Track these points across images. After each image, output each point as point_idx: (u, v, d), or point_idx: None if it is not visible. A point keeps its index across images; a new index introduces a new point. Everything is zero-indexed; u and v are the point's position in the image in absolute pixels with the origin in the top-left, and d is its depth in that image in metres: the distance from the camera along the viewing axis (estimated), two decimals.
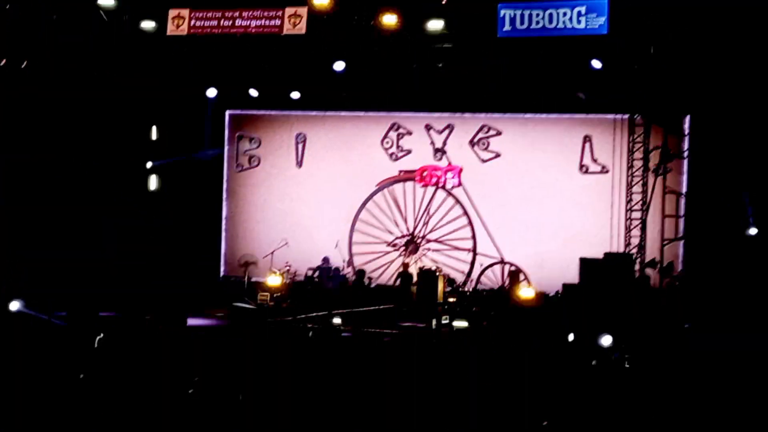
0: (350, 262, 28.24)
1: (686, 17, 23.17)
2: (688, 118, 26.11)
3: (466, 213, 28.06)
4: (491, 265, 27.60)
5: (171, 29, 24.90)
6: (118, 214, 28.21)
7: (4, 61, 26.14)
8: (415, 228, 28.45)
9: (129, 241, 28.06)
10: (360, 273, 26.68)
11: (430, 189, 28.28)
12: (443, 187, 28.18)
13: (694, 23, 23.22)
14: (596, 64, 24.91)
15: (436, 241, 28.26)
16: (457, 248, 28.04)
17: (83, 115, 27.82)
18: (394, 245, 28.51)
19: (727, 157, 24.87)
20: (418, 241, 28.35)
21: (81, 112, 27.76)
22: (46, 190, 27.65)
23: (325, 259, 27.38)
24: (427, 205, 28.35)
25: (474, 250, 27.91)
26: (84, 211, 27.89)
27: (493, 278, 27.46)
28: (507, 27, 22.83)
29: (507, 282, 26.55)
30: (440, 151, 28.28)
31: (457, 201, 28.14)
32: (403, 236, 28.50)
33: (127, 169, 28.78)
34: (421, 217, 28.42)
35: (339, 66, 26.55)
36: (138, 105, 28.25)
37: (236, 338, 19.62)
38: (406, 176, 28.45)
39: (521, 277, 26.55)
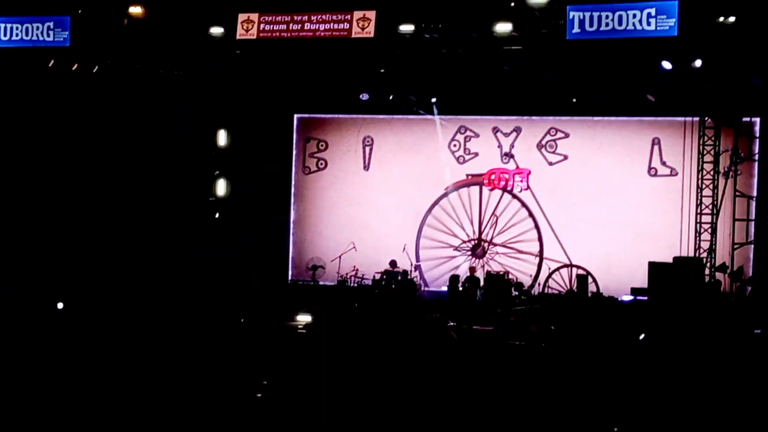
0: (418, 267, 28.23)
1: (755, 19, 22.97)
2: (758, 121, 25.88)
3: (532, 216, 27.99)
4: (559, 269, 27.50)
5: (240, 33, 25.01)
6: (189, 219, 28.54)
7: (76, 65, 26.47)
8: (481, 232, 28.42)
9: (198, 245, 28.33)
10: (453, 278, 26.54)
11: (497, 193, 28.25)
12: (511, 191, 28.15)
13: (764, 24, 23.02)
14: (666, 65, 24.74)
15: (502, 245, 28.21)
16: (523, 252, 27.96)
17: (153, 119, 28.11)
18: (461, 249, 28.49)
19: None
20: (485, 245, 28.31)
21: (150, 116, 28.06)
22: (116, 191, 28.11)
23: (392, 263, 27.37)
24: (494, 209, 28.30)
25: (540, 254, 27.82)
26: (153, 217, 28.25)
27: (561, 282, 27.34)
28: (576, 29, 22.69)
29: (575, 286, 26.41)
30: (508, 155, 28.24)
31: (524, 205, 28.08)
32: (469, 240, 28.47)
33: (197, 174, 29.02)
34: (488, 221, 28.38)
35: None
36: (207, 110, 28.54)
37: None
38: (474, 180, 28.43)
39: (589, 281, 26.42)
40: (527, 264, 27.92)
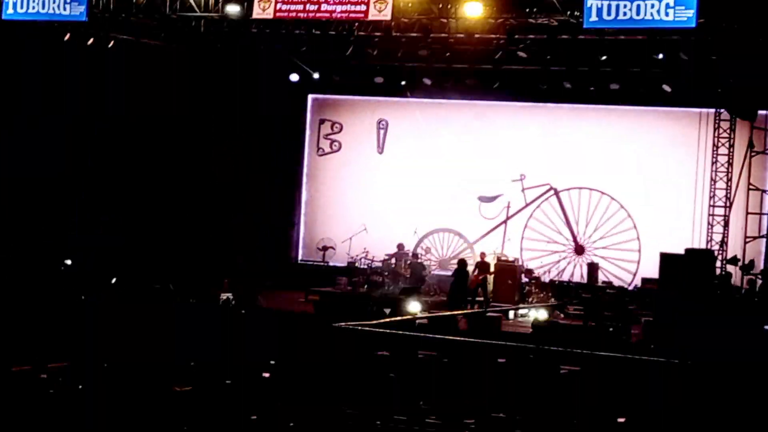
0: (427, 250, 28.20)
1: None
2: None
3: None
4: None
5: (257, 12, 24.88)
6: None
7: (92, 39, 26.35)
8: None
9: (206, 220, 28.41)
10: (461, 262, 26.45)
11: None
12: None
13: None
14: (683, 57, 24.64)
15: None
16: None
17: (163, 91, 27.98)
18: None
19: None
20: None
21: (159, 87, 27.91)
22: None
23: (400, 246, 27.29)
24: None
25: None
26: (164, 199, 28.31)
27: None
28: (594, 17, 22.56)
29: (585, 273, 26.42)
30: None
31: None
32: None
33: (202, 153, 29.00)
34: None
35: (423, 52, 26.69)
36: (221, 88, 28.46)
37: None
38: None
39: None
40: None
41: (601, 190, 27.49)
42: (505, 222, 28.12)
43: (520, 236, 27.98)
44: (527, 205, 28.05)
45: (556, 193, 27.84)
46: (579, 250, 27.61)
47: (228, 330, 19.50)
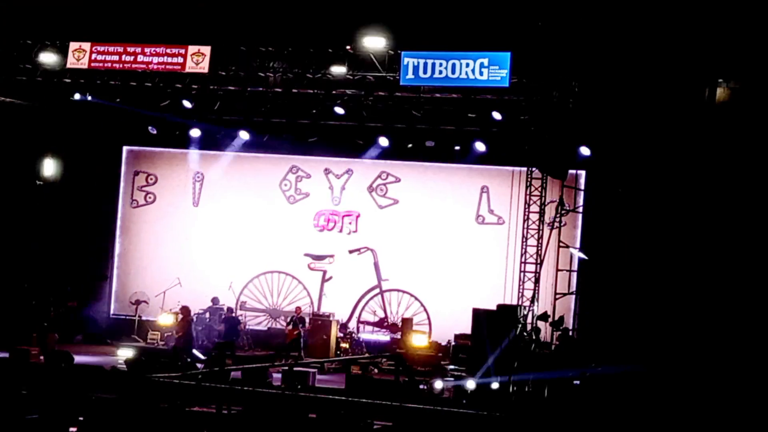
0: (242, 305, 28.00)
1: (585, 74, 23.56)
2: (584, 174, 26.39)
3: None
4: (369, 293, 27.74)
5: (71, 62, 24.57)
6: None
7: None
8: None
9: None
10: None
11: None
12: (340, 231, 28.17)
13: (593, 79, 23.63)
14: (497, 116, 25.10)
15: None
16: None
17: None
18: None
19: (620, 213, 25.15)
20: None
21: None
22: None
23: (215, 300, 27.03)
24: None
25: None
26: None
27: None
28: (410, 75, 22.93)
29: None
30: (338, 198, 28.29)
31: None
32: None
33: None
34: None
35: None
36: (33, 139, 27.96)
37: None
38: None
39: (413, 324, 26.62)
40: None
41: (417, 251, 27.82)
42: (323, 280, 28.10)
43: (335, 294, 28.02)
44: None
45: (374, 254, 27.91)
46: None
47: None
